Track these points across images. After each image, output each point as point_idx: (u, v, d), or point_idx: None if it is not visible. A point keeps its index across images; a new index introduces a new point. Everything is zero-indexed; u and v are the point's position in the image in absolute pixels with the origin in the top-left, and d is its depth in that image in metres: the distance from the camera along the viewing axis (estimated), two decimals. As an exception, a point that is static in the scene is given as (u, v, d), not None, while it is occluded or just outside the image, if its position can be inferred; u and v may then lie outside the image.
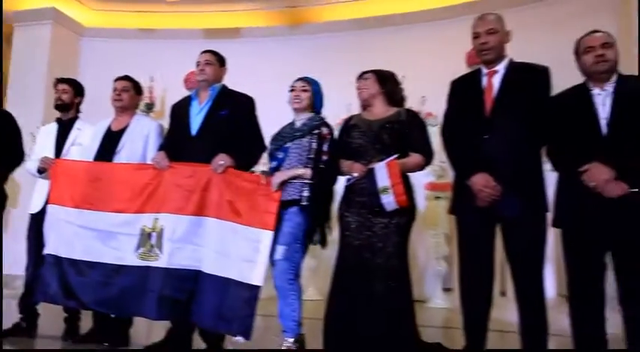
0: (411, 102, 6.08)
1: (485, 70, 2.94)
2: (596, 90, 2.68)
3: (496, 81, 2.88)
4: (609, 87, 2.66)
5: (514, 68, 2.90)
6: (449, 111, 3.07)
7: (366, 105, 3.25)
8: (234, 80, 3.60)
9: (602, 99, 2.64)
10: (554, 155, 2.81)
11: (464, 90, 3.01)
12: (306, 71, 3.51)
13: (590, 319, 2.63)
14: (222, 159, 3.19)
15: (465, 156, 2.87)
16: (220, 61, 3.51)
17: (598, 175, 2.50)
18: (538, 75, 2.86)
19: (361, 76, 3.26)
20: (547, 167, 2.89)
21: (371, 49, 6.22)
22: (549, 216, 2.86)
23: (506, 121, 2.78)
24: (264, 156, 3.48)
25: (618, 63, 2.71)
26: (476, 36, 2.92)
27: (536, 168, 2.85)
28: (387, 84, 3.25)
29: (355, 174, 3.05)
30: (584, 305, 2.67)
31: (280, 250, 3.08)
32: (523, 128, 2.75)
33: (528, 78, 2.85)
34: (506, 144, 2.75)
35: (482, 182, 2.72)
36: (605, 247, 2.59)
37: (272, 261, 3.17)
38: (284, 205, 3.12)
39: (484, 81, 2.91)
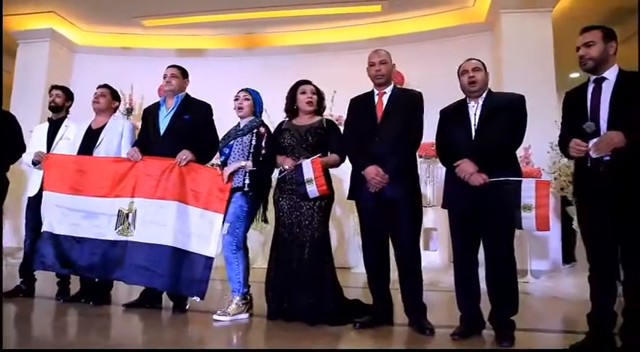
0: (340, 112, 6.25)
1: (376, 91, 3.04)
2: (471, 104, 2.79)
3: (385, 99, 3.00)
4: (481, 100, 2.77)
5: (398, 91, 3.04)
6: (348, 120, 3.15)
7: (300, 112, 3.25)
8: (199, 91, 3.56)
9: (475, 111, 2.75)
10: (440, 153, 2.93)
11: (361, 105, 3.08)
12: (257, 84, 3.50)
13: (469, 278, 2.74)
14: (185, 154, 3.18)
15: (360, 153, 2.94)
16: (184, 73, 3.46)
17: (466, 169, 2.62)
18: (414, 98, 2.99)
19: (310, 88, 3.25)
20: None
21: (311, 68, 6.24)
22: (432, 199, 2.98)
23: (390, 128, 2.89)
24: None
25: (487, 82, 2.83)
26: (372, 65, 3.03)
27: (412, 162, 2.98)
28: (322, 102, 3.31)
29: (286, 167, 3.08)
30: (463, 267, 2.77)
31: (225, 227, 3.10)
32: (402, 134, 2.87)
33: (407, 99, 2.98)
34: (390, 145, 2.85)
35: (374, 172, 2.81)
36: (477, 222, 2.68)
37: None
38: (231, 191, 3.12)
39: (376, 99, 3.02)
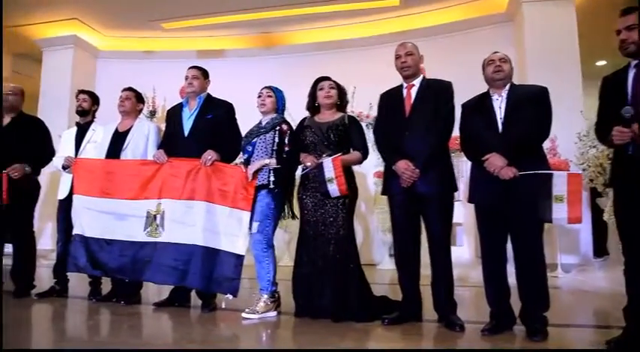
0: (361, 107, 6.24)
1: (405, 84, 3.00)
2: (495, 96, 2.74)
3: (413, 92, 2.96)
4: (504, 93, 2.72)
5: (427, 82, 2.98)
6: (379, 115, 3.12)
7: (322, 108, 3.24)
8: (219, 91, 3.58)
9: (499, 103, 2.71)
10: (465, 147, 2.87)
11: (390, 99, 3.05)
12: (277, 83, 3.50)
13: (498, 273, 2.69)
14: (209, 155, 3.20)
15: (391, 148, 2.92)
16: (205, 74, 3.48)
17: (495, 162, 2.57)
18: (444, 88, 2.94)
19: (327, 83, 3.22)
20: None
21: (329, 65, 6.23)
22: (459, 194, 2.93)
23: (420, 121, 2.85)
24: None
25: (512, 76, 2.78)
26: (397, 57, 3.00)
27: (444, 155, 2.92)
28: (344, 97, 3.29)
29: (308, 164, 3.07)
30: (492, 261, 2.72)
31: (255, 225, 3.10)
32: (432, 126, 2.82)
33: (437, 90, 2.93)
34: (420, 138, 2.81)
35: (404, 166, 2.78)
36: (505, 217, 2.63)
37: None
38: (256, 189, 3.13)
39: (404, 92, 2.98)
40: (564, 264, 5.15)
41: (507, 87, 2.74)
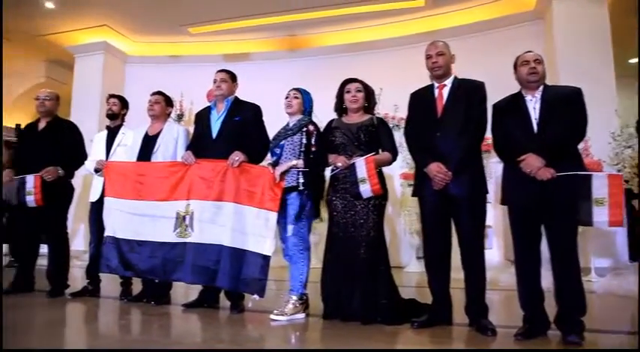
0: (387, 109, 6.21)
1: (436, 84, 2.96)
2: (528, 97, 2.69)
3: (445, 92, 2.91)
4: (538, 94, 2.67)
5: (458, 82, 2.93)
6: (409, 115, 3.08)
7: (349, 111, 3.23)
8: (246, 94, 3.61)
9: (533, 104, 2.65)
10: (499, 148, 2.81)
11: (421, 99, 3.01)
12: (303, 86, 3.50)
13: (532, 276, 2.63)
14: (237, 156, 3.22)
15: (422, 149, 2.88)
16: (233, 77, 3.51)
17: (533, 163, 2.52)
18: (477, 88, 2.88)
19: (354, 86, 3.19)
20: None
21: (355, 68, 6.20)
22: (497, 197, 2.88)
23: (452, 122, 2.80)
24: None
25: (545, 77, 2.72)
26: (428, 57, 2.96)
27: (477, 157, 2.87)
28: (371, 99, 3.26)
29: (339, 165, 3.05)
30: (525, 264, 2.67)
31: (290, 229, 3.11)
32: (465, 127, 2.77)
33: (469, 90, 2.87)
34: (453, 140, 2.77)
35: (436, 168, 2.74)
36: (540, 219, 2.59)
37: (282, 238, 3.21)
38: (286, 191, 3.13)
39: (436, 92, 2.94)
40: (598, 268, 5.00)
41: (541, 88, 2.68)
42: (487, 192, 2.89)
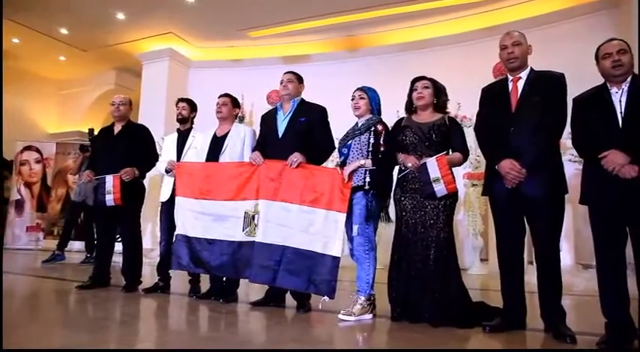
0: (449, 107, 6.05)
1: (510, 77, 2.83)
2: (614, 90, 2.51)
3: (520, 85, 2.77)
4: (625, 86, 2.48)
5: (535, 75, 2.78)
6: (481, 110, 2.95)
7: (417, 109, 3.16)
8: (306, 94, 3.62)
9: (619, 97, 2.47)
10: (579, 144, 2.64)
11: (493, 94, 2.89)
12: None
13: (616, 281, 2.45)
14: (295, 157, 3.22)
15: (495, 146, 2.76)
16: (299, 79, 3.54)
17: (616, 160, 2.35)
18: (556, 79, 2.71)
19: (421, 83, 3.13)
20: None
21: (414, 66, 6.11)
22: (567, 197, 2.72)
23: (528, 117, 2.66)
24: (335, 153, 3.52)
25: (633, 66, 2.52)
26: (503, 48, 2.82)
27: (555, 154, 2.71)
28: (440, 95, 3.16)
29: (409, 165, 2.99)
30: (609, 268, 2.49)
31: (355, 228, 3.08)
32: (542, 122, 2.62)
33: (547, 82, 2.71)
34: (528, 135, 2.63)
35: (509, 166, 2.62)
36: (624, 220, 2.41)
37: (349, 239, 3.19)
38: (352, 190, 3.11)
39: (510, 85, 2.80)
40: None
41: (629, 79, 2.49)
42: (567, 192, 2.72)
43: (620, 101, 2.47)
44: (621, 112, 2.44)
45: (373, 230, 3.14)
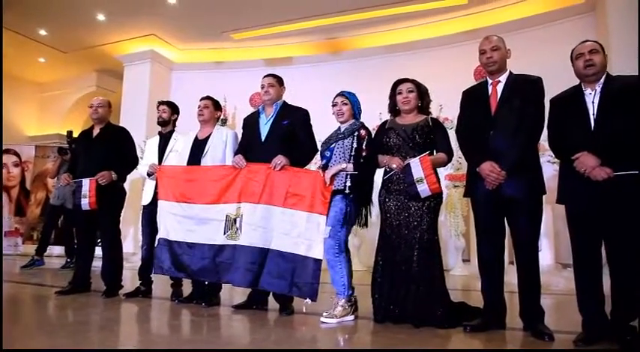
0: (431, 109, 6.10)
1: (490, 81, 2.87)
2: (587, 91, 2.56)
3: (499, 88, 2.81)
4: (598, 87, 2.53)
5: (513, 78, 2.82)
6: (462, 113, 3.00)
7: (402, 112, 3.18)
8: (289, 97, 3.62)
9: (592, 99, 2.53)
10: (554, 145, 2.71)
11: (473, 97, 2.93)
12: (345, 89, 3.47)
13: (592, 280, 2.50)
14: (279, 159, 3.23)
15: (475, 148, 2.80)
16: (279, 82, 3.53)
17: (587, 162, 2.41)
18: (533, 83, 2.76)
19: (406, 87, 3.14)
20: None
21: (397, 69, 6.16)
22: (546, 197, 2.77)
23: (507, 120, 2.70)
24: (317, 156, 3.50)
25: (606, 66, 2.58)
26: (482, 52, 2.87)
27: (534, 156, 2.76)
28: (424, 98, 3.19)
29: (394, 166, 3.00)
30: (585, 267, 2.54)
31: (327, 230, 3.09)
32: (520, 125, 2.67)
33: (525, 86, 2.76)
34: (508, 138, 2.67)
35: (489, 168, 2.66)
36: (600, 219, 2.46)
37: None
38: (332, 193, 3.12)
39: (490, 89, 2.85)
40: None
41: (602, 79, 2.54)
42: (544, 192, 2.77)
43: (593, 102, 2.51)
44: (594, 114, 2.49)
45: (345, 234, 3.15)
